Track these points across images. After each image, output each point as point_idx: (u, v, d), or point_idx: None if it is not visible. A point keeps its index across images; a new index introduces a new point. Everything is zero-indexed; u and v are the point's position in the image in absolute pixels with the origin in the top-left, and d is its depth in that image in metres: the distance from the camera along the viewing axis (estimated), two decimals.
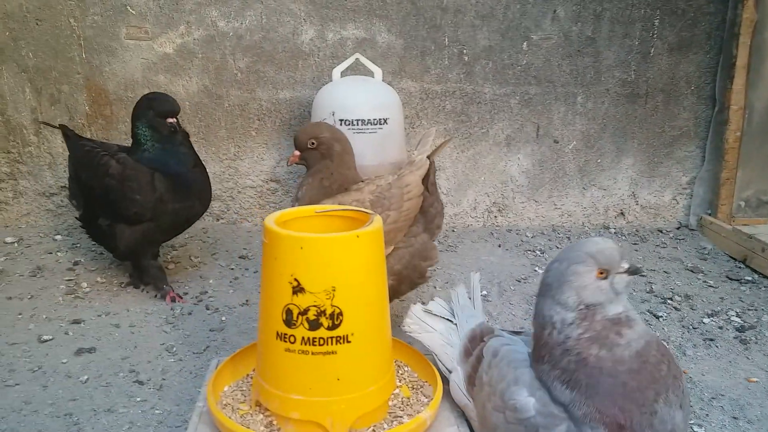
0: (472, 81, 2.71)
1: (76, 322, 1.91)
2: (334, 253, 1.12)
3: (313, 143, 1.76)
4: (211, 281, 2.24)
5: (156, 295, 2.11)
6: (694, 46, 2.71)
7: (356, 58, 2.42)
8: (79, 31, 2.65)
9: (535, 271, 2.37)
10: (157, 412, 1.47)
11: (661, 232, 2.82)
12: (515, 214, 2.86)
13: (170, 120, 2.01)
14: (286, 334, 1.15)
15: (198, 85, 2.71)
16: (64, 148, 2.75)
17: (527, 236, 2.73)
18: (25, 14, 2.63)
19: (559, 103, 2.75)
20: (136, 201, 1.99)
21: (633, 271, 1.04)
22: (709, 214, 2.77)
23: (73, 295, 2.10)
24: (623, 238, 2.75)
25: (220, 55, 2.68)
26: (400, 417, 1.25)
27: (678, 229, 2.86)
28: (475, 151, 2.79)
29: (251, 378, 1.40)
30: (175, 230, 2.16)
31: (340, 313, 1.13)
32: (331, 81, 2.44)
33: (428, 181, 1.66)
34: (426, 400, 1.31)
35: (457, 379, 1.28)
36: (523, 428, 1.04)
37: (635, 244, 2.68)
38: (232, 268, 2.36)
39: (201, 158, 2.76)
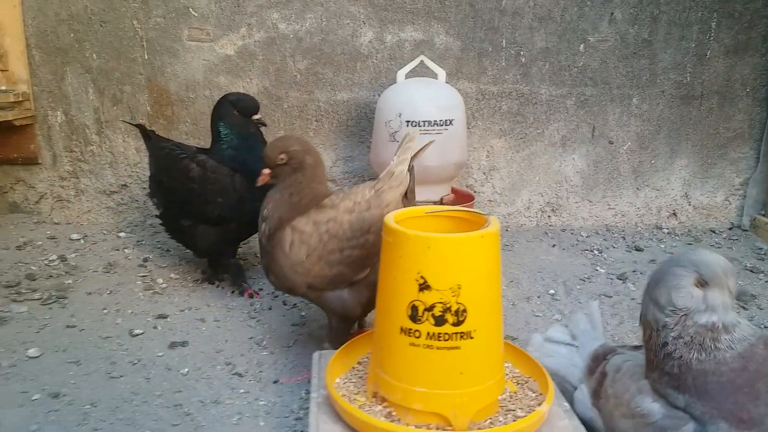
0: (529, 82, 2.76)
1: (162, 316, 1.97)
2: (460, 252, 1.17)
3: (283, 158, 1.63)
4: None
5: (233, 291, 2.16)
6: (750, 49, 2.74)
7: (421, 60, 2.46)
8: (142, 33, 2.71)
9: (596, 270, 2.41)
10: (261, 403, 1.53)
11: (713, 232, 2.86)
12: (569, 213, 2.90)
13: (256, 116, 2.08)
14: (411, 329, 1.20)
15: (258, 87, 2.76)
16: (125, 148, 2.83)
17: (582, 236, 2.77)
18: (90, 16, 2.70)
19: (615, 104, 2.79)
20: (218, 204, 2.04)
21: (739, 296, 1.11)
22: (763, 215, 2.80)
23: (151, 291, 2.16)
24: (676, 238, 2.79)
25: (280, 57, 2.73)
26: (513, 410, 1.29)
27: (730, 229, 2.90)
28: (530, 151, 2.83)
29: (358, 371, 1.45)
30: (255, 228, 2.21)
31: (465, 310, 1.18)
32: (394, 83, 2.49)
33: (408, 189, 1.56)
34: (533, 394, 1.36)
35: (582, 395, 1.36)
36: (652, 431, 1.10)
37: (689, 244, 2.72)
38: None
39: None
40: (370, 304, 1.59)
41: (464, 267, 1.18)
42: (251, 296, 2.12)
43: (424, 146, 1.60)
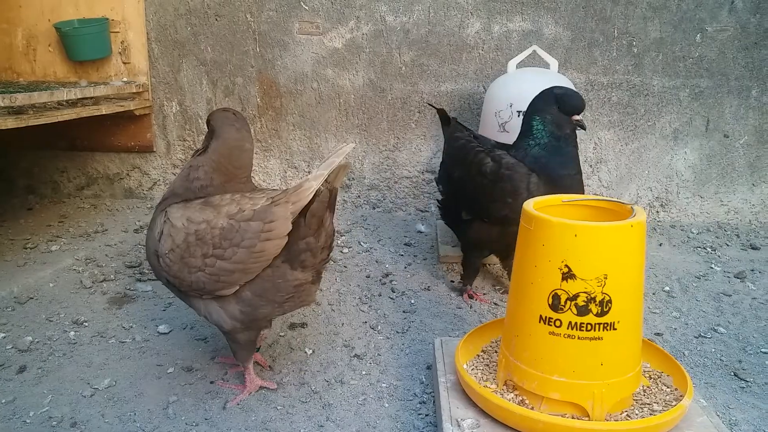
0: (641, 73, 2.68)
1: None
2: (608, 241, 1.16)
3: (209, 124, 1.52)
4: (387, 266, 2.33)
5: (454, 286, 2.16)
6: None
7: (533, 50, 2.43)
8: (255, 26, 2.81)
9: (711, 268, 2.32)
10: (383, 385, 1.56)
11: None
12: (679, 209, 2.80)
13: (576, 117, 1.83)
14: (551, 318, 1.20)
15: (364, 79, 2.81)
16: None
17: (693, 233, 2.67)
18: (206, 10, 2.82)
19: (732, 96, 2.67)
20: (507, 204, 1.84)
21: None
22: None
23: None
24: None
25: (386, 49, 2.77)
26: (649, 404, 1.27)
27: None
28: (639, 144, 2.75)
29: (483, 358, 1.46)
30: None
31: (610, 301, 1.17)
32: (501, 73, 2.47)
33: (310, 211, 1.33)
34: (667, 389, 1.33)
35: None
36: None
37: None
38: (402, 255, 2.45)
39: (362, 150, 2.88)
40: (250, 323, 1.42)
41: (612, 256, 1.16)
42: (471, 297, 2.07)
43: (342, 167, 1.33)
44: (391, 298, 2.07)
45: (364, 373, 1.62)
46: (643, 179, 2.79)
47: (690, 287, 2.16)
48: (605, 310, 1.17)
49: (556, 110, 1.84)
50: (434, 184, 2.89)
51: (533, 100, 1.91)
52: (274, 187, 1.55)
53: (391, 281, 2.20)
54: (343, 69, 2.81)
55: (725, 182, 2.75)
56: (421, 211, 2.94)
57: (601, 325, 1.18)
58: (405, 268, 2.33)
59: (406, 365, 1.66)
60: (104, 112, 2.57)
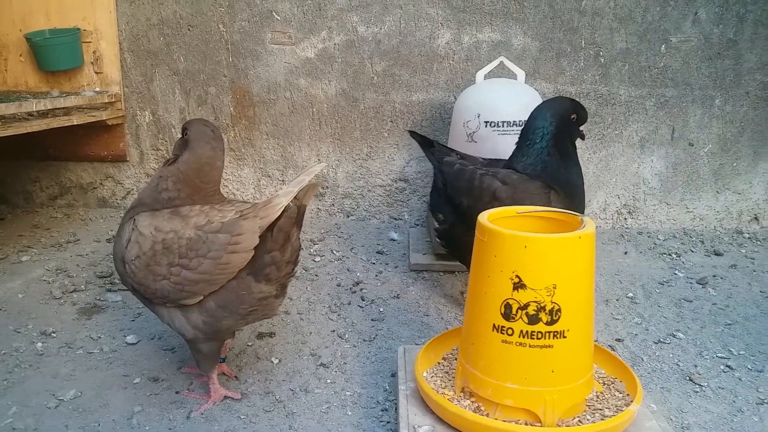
0: (608, 83, 2.73)
1: None
2: (557, 252, 1.20)
3: (183, 132, 1.54)
4: (358, 274, 2.36)
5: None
6: None
7: (500, 61, 2.48)
8: (227, 36, 2.83)
9: (675, 274, 2.37)
10: (347, 393, 1.59)
11: None
12: (646, 216, 2.86)
13: (582, 126, 1.88)
14: (503, 326, 1.23)
15: (336, 89, 2.84)
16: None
17: (659, 239, 2.73)
18: (179, 20, 2.83)
19: (696, 105, 2.73)
20: None
21: None
22: None
23: None
24: (758, 243, 2.71)
25: (358, 59, 2.80)
26: (600, 410, 1.31)
27: None
28: (607, 152, 2.80)
29: (443, 366, 1.49)
30: None
31: (559, 310, 1.20)
32: (471, 83, 2.51)
33: (277, 226, 1.37)
34: (619, 395, 1.37)
35: None
36: None
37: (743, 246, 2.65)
38: (374, 263, 2.47)
39: (336, 158, 2.92)
40: (213, 334, 1.46)
41: (561, 267, 1.20)
42: None
43: (311, 186, 1.37)
44: (361, 307, 2.10)
45: (329, 381, 1.65)
46: (611, 187, 2.84)
47: (653, 293, 2.21)
48: (555, 318, 1.21)
49: (574, 119, 1.85)
50: (407, 192, 2.93)
51: (546, 107, 1.88)
52: (245, 200, 1.57)
53: (361, 289, 2.23)
54: (316, 79, 2.84)
55: (690, 189, 2.82)
56: (395, 218, 2.97)
57: (551, 333, 1.21)
58: (376, 276, 2.35)
59: (371, 373, 1.69)
60: (75, 123, 2.57)
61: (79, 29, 2.80)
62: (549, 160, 1.83)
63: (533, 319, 1.21)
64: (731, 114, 2.74)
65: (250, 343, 1.83)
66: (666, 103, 2.74)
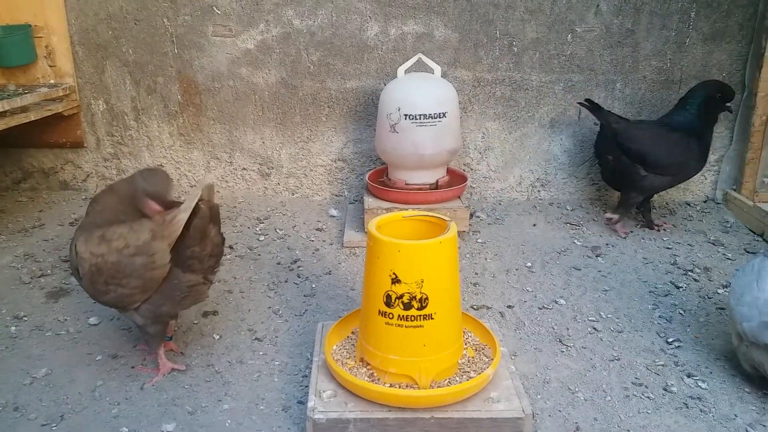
0: (521, 70, 3.01)
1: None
2: (423, 254, 1.51)
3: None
4: (297, 252, 2.66)
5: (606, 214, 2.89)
6: (727, 37, 2.94)
7: (419, 58, 2.73)
8: (172, 30, 3.03)
9: (574, 243, 2.72)
10: (276, 363, 1.91)
11: (688, 205, 3.14)
12: (556, 189, 3.20)
13: (729, 104, 2.67)
14: (386, 312, 1.56)
15: (276, 77, 3.07)
16: (159, 132, 3.20)
17: (567, 209, 3.07)
18: (125, 15, 3.02)
19: (600, 89, 3.04)
20: (685, 161, 2.70)
21: None
22: (734, 190, 3.06)
23: None
24: (654, 211, 3.06)
25: (295, 50, 3.03)
26: (468, 372, 1.65)
27: (705, 202, 3.17)
28: (521, 132, 3.11)
29: (352, 339, 1.82)
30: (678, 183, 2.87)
31: (427, 298, 1.53)
32: (395, 78, 2.77)
33: (193, 226, 1.64)
34: (487, 359, 1.71)
35: None
36: None
37: (664, 216, 3.01)
38: (312, 240, 2.78)
39: (279, 141, 3.18)
40: (155, 318, 1.74)
41: (426, 266, 1.52)
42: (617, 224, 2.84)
43: (207, 187, 1.69)
44: (296, 284, 2.41)
45: (261, 353, 1.96)
46: (525, 163, 3.16)
47: (549, 262, 2.55)
48: (424, 305, 1.53)
49: (719, 97, 2.66)
50: (346, 171, 3.21)
51: (699, 86, 2.71)
52: (177, 200, 1.84)
53: (298, 267, 2.53)
54: (257, 68, 3.06)
55: (596, 164, 3.14)
56: (336, 195, 3.26)
57: (422, 317, 1.54)
58: (313, 253, 2.66)
59: (298, 345, 2.01)
60: (33, 119, 2.78)
61: (30, 25, 2.97)
62: (692, 121, 2.68)
63: (407, 306, 1.53)
64: (630, 96, 3.05)
65: (195, 321, 2.14)
66: (573, 87, 3.04)
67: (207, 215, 1.67)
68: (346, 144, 3.17)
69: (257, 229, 2.88)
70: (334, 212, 3.06)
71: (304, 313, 2.20)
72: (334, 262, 2.57)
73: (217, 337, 2.05)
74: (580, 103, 2.85)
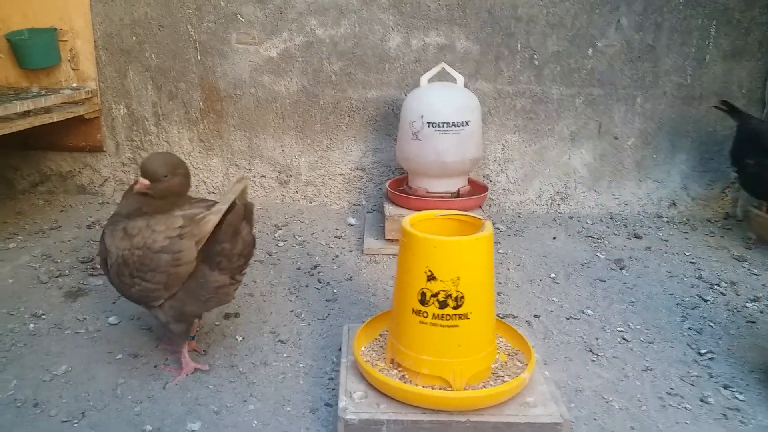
0: (541, 83, 3.02)
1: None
2: (460, 251, 1.49)
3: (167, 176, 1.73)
4: (316, 258, 2.64)
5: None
6: (746, 54, 2.96)
7: (442, 67, 2.74)
8: (196, 36, 3.05)
9: (597, 256, 2.70)
10: (300, 365, 1.88)
11: (709, 222, 3.12)
12: (576, 202, 3.18)
13: None
14: (420, 310, 1.53)
15: (297, 85, 3.08)
16: (179, 138, 3.20)
17: (587, 223, 3.06)
18: (149, 21, 3.04)
19: (620, 103, 3.04)
20: None
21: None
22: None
23: None
24: (674, 226, 3.05)
25: (317, 59, 3.04)
26: (502, 377, 1.62)
27: (725, 219, 3.15)
28: (541, 145, 3.11)
29: (380, 341, 1.79)
30: None
31: (462, 297, 1.50)
32: (418, 87, 2.77)
33: (226, 221, 1.62)
34: (520, 364, 1.68)
35: None
36: None
37: (685, 233, 2.99)
38: (332, 247, 2.76)
39: (298, 149, 3.18)
40: (179, 317, 1.71)
41: (463, 263, 1.50)
42: None
43: (240, 184, 1.65)
44: (317, 288, 2.38)
45: (285, 355, 1.93)
46: (545, 176, 3.15)
47: (573, 274, 2.53)
48: (459, 304, 1.51)
49: None
50: (364, 180, 3.20)
51: None
52: (206, 199, 1.83)
53: (318, 272, 2.51)
54: (278, 76, 3.07)
55: (616, 178, 3.14)
56: (354, 204, 3.25)
57: (457, 316, 1.51)
58: (333, 259, 2.64)
59: (322, 347, 1.98)
60: (56, 120, 2.79)
61: (56, 29, 2.99)
62: None
63: (443, 305, 1.51)
64: (651, 111, 3.05)
65: (217, 323, 2.11)
66: (593, 101, 3.05)
67: (241, 212, 1.65)
68: (366, 153, 3.16)
69: (276, 235, 2.86)
70: (352, 221, 3.04)
71: (326, 317, 2.17)
72: (355, 269, 2.55)
73: (240, 338, 2.02)
74: (716, 107, 2.82)
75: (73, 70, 3.08)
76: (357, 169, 3.20)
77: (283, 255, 2.66)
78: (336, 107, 3.11)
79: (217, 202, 1.68)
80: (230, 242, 1.67)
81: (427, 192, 2.73)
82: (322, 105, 3.11)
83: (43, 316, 2.13)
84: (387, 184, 2.88)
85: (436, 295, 1.51)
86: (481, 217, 1.63)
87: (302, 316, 2.17)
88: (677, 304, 2.28)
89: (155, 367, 1.86)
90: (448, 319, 1.52)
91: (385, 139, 3.14)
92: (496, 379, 1.62)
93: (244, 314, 2.18)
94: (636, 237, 2.92)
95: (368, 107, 3.10)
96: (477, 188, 2.84)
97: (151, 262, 1.61)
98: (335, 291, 2.36)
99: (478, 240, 1.50)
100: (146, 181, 1.69)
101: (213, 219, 1.60)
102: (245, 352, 1.95)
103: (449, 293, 1.50)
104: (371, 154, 3.16)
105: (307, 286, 2.40)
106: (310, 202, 3.26)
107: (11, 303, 2.21)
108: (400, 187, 2.89)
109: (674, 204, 3.19)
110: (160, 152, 1.82)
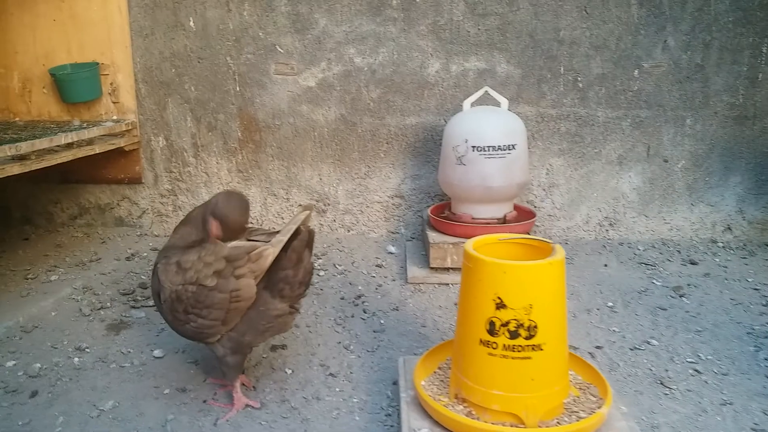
0: (586, 105, 2.95)
1: None
2: (532, 277, 1.41)
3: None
4: (359, 287, 2.57)
5: None
6: None
7: (485, 91, 2.69)
8: (235, 68, 3.04)
9: (653, 283, 2.58)
10: (354, 400, 1.79)
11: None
12: (626, 228, 3.08)
13: None
14: (489, 341, 1.44)
15: (335, 114, 3.05)
16: (218, 169, 3.16)
17: (639, 249, 2.95)
18: (189, 54, 3.04)
19: (669, 125, 2.95)
20: None
21: None
22: None
23: None
24: (731, 251, 2.92)
25: (355, 88, 3.01)
26: (577, 412, 1.51)
27: None
28: (588, 169, 3.02)
29: (439, 375, 1.70)
30: None
31: (536, 326, 1.41)
32: (460, 109, 2.72)
33: (291, 248, 1.59)
34: (594, 399, 1.58)
35: None
36: None
37: (744, 258, 2.86)
38: (374, 276, 2.68)
39: (336, 178, 3.13)
40: (237, 348, 1.66)
41: (535, 289, 1.41)
42: None
43: (305, 213, 1.62)
44: (363, 319, 2.31)
45: (337, 390, 1.85)
46: (592, 201, 3.06)
47: (631, 302, 2.42)
48: (532, 334, 1.42)
49: None
50: (403, 207, 3.14)
51: None
52: (261, 228, 1.80)
53: (363, 302, 2.44)
54: (317, 105, 3.05)
55: (667, 202, 3.03)
56: (392, 233, 3.18)
57: (530, 347, 1.42)
58: (376, 289, 2.56)
59: (375, 381, 1.89)
60: (98, 151, 2.78)
61: (97, 63, 3.01)
62: None
63: (514, 335, 1.42)
64: (701, 132, 2.96)
65: (264, 356, 2.04)
66: (641, 123, 2.96)
67: (305, 239, 1.61)
68: (404, 180, 3.11)
69: (316, 264, 2.80)
70: (392, 249, 2.97)
71: (376, 349, 2.09)
72: (400, 298, 2.47)
73: (289, 371, 1.94)
74: None
75: (114, 103, 3.09)
76: (395, 196, 3.14)
77: (325, 285, 2.59)
78: (374, 135, 3.07)
79: (277, 232, 1.62)
80: (293, 269, 1.62)
81: (472, 218, 2.65)
82: (360, 133, 3.07)
83: (87, 350, 2.08)
84: (428, 211, 2.81)
85: (506, 324, 1.42)
86: (549, 241, 1.54)
87: (351, 348, 2.09)
88: (748, 333, 2.15)
89: (204, 402, 1.79)
90: (519, 351, 1.43)
91: (424, 166, 3.08)
92: (570, 415, 1.51)
93: (291, 346, 2.10)
94: (692, 263, 2.79)
95: (407, 134, 3.05)
96: (524, 214, 2.75)
97: (206, 298, 1.57)
98: (382, 321, 2.28)
99: (551, 264, 1.42)
100: (217, 232, 1.67)
101: (272, 252, 1.56)
102: (296, 386, 1.87)
103: (521, 322, 1.41)
104: (410, 181, 3.10)
105: (352, 316, 2.32)
106: (348, 231, 3.20)
107: (55, 336, 2.17)
108: (441, 214, 2.82)
109: (729, 228, 3.06)
110: (235, 198, 1.75)
